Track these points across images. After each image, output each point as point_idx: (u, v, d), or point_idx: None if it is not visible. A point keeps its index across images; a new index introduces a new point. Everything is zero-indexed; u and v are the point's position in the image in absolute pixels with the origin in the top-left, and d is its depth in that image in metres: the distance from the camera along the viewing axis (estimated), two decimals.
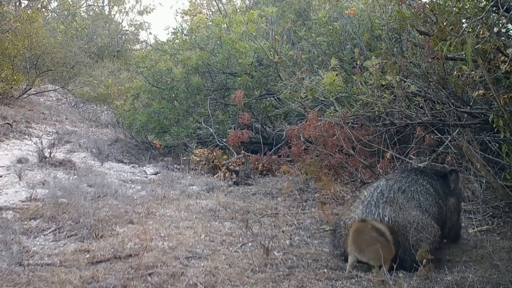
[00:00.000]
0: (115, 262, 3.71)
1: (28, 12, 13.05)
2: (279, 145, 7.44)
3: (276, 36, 8.40)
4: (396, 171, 4.59)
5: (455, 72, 5.06)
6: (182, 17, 14.75)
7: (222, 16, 10.18)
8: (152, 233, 4.31)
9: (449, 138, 5.19)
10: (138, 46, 18.50)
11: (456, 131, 5.27)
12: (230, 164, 6.76)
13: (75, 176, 6.47)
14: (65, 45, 13.91)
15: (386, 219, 3.67)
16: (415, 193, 3.82)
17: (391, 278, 3.30)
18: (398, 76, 5.40)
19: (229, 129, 7.99)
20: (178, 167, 7.50)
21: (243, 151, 6.93)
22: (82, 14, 18.88)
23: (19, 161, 7.06)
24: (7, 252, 3.76)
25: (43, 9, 17.25)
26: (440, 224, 3.81)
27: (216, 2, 12.27)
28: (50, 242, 4.17)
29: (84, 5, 19.32)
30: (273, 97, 8.23)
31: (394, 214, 3.69)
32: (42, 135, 9.10)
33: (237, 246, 4.13)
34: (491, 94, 4.30)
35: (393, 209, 3.71)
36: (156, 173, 7.37)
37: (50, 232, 4.37)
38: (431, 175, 4.02)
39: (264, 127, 8.51)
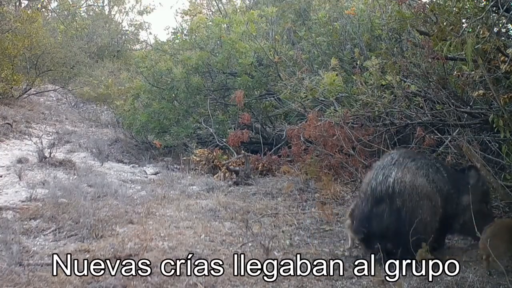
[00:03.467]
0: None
1: (28, 12, 13.05)
2: (279, 145, 7.44)
3: (276, 36, 8.39)
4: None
5: (455, 72, 5.06)
6: (182, 17, 14.79)
7: (222, 16, 10.18)
8: (152, 233, 4.31)
9: (449, 138, 5.18)
10: (138, 46, 18.52)
11: (456, 131, 5.26)
12: (230, 164, 6.76)
13: (75, 176, 6.47)
14: (65, 45, 13.91)
15: (391, 179, 3.69)
16: (425, 165, 3.83)
17: (391, 278, 3.31)
18: (398, 76, 5.39)
19: (229, 129, 7.99)
20: (178, 167, 7.50)
21: (243, 151, 6.93)
22: (82, 14, 18.91)
23: (19, 161, 7.06)
24: (7, 252, 3.76)
25: (43, 9, 17.26)
26: (448, 215, 3.80)
27: (216, 2, 12.27)
28: (50, 242, 4.17)
29: (84, 5, 19.35)
30: (273, 97, 8.23)
31: (401, 174, 3.70)
32: (42, 135, 9.10)
33: (237, 246, 4.13)
34: (491, 94, 4.30)
35: (400, 170, 3.73)
36: (156, 173, 7.37)
37: (50, 232, 4.37)
38: (446, 167, 4.01)
39: (264, 127, 8.51)
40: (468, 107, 5.25)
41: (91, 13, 19.24)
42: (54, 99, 14.29)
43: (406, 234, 3.54)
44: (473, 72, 4.49)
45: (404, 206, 3.65)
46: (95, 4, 19.78)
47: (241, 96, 7.27)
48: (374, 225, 3.69)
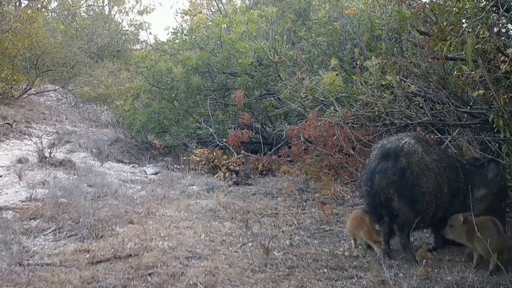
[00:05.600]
0: (115, 262, 3.71)
1: (28, 12, 13.07)
2: (279, 145, 7.44)
3: (276, 36, 8.39)
4: None
5: (455, 72, 5.05)
6: (182, 17, 14.82)
7: (222, 16, 10.19)
8: (152, 233, 4.31)
9: (449, 138, 5.19)
10: (138, 46, 18.52)
11: (456, 131, 5.26)
12: (230, 164, 6.76)
13: (75, 176, 6.47)
14: (65, 45, 13.93)
15: (403, 141, 3.70)
16: (442, 156, 3.84)
17: (391, 278, 3.30)
18: (398, 76, 5.39)
19: (229, 129, 7.99)
20: (178, 167, 7.50)
21: (243, 151, 6.93)
22: (82, 14, 18.92)
23: (19, 161, 7.07)
24: (7, 252, 3.76)
25: (43, 9, 17.29)
26: (454, 207, 3.79)
27: (216, 2, 12.29)
28: (50, 242, 4.17)
29: (84, 5, 19.35)
30: (273, 97, 8.23)
31: (414, 142, 3.71)
32: (42, 135, 9.11)
33: (237, 246, 4.12)
34: (491, 94, 4.29)
35: (415, 141, 3.74)
36: (156, 173, 7.37)
37: (50, 232, 4.37)
38: (465, 166, 3.96)
39: (264, 127, 8.51)
40: (468, 107, 5.25)
41: (91, 13, 19.24)
42: (54, 99, 14.30)
43: (408, 199, 3.54)
44: (473, 72, 4.49)
45: (409, 168, 3.62)
46: (95, 4, 19.79)
47: (241, 96, 7.27)
48: (376, 180, 3.66)
